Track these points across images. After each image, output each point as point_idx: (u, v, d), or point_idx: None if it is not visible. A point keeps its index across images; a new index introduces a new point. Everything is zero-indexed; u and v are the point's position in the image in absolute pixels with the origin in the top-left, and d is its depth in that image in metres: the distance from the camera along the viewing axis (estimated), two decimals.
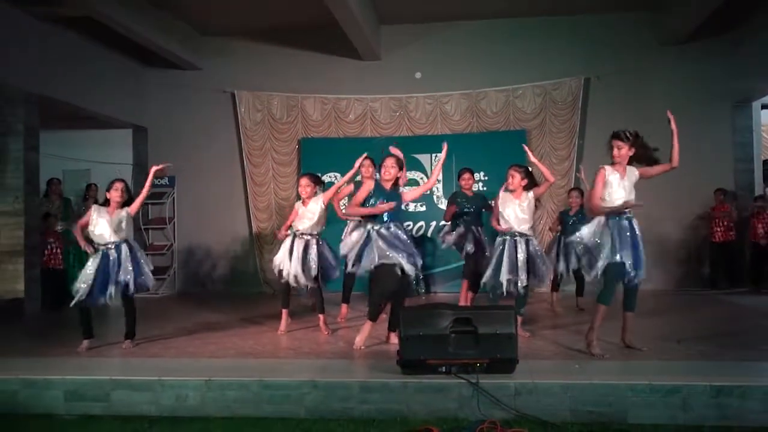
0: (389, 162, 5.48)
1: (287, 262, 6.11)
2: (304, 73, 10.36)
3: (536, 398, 4.04)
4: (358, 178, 6.74)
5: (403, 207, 5.68)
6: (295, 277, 6.07)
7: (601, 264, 4.83)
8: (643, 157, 5.00)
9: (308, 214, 6.23)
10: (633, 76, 9.71)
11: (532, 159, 5.87)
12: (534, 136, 9.85)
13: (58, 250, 8.65)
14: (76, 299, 5.43)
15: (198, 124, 10.51)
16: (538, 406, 4.01)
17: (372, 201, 5.38)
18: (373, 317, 5.37)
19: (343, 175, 6.41)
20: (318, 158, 9.99)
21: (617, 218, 4.88)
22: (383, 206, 5.30)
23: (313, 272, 6.09)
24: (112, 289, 5.43)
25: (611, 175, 4.93)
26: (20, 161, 8.11)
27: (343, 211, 6.65)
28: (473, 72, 10.02)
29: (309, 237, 6.19)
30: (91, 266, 5.47)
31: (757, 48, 9.11)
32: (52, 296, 8.34)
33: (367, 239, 5.33)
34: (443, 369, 4.23)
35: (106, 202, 5.67)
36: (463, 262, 7.15)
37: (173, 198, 10.66)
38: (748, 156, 9.71)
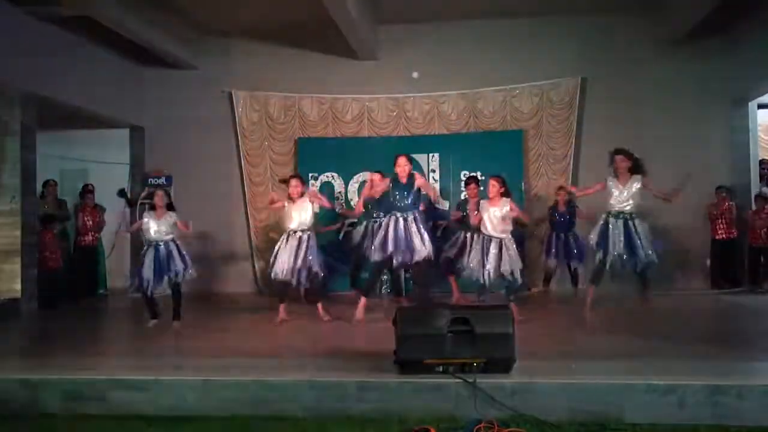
0: (402, 160, 6.53)
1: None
2: (301, 72, 10.32)
3: (533, 397, 4.05)
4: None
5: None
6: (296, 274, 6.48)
7: None
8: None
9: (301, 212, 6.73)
10: (630, 75, 9.69)
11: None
12: (531, 136, 9.86)
13: (54, 253, 8.66)
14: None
15: (195, 124, 10.45)
16: (535, 405, 4.01)
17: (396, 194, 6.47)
18: None
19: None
20: (315, 158, 9.97)
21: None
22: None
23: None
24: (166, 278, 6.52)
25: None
26: (17, 161, 8.08)
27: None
28: (470, 72, 10.00)
29: (302, 234, 6.65)
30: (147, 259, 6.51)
31: (755, 47, 9.11)
32: (49, 297, 8.35)
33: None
34: (440, 368, 4.23)
35: (152, 207, 6.68)
36: None
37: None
38: (744, 156, 9.71)
